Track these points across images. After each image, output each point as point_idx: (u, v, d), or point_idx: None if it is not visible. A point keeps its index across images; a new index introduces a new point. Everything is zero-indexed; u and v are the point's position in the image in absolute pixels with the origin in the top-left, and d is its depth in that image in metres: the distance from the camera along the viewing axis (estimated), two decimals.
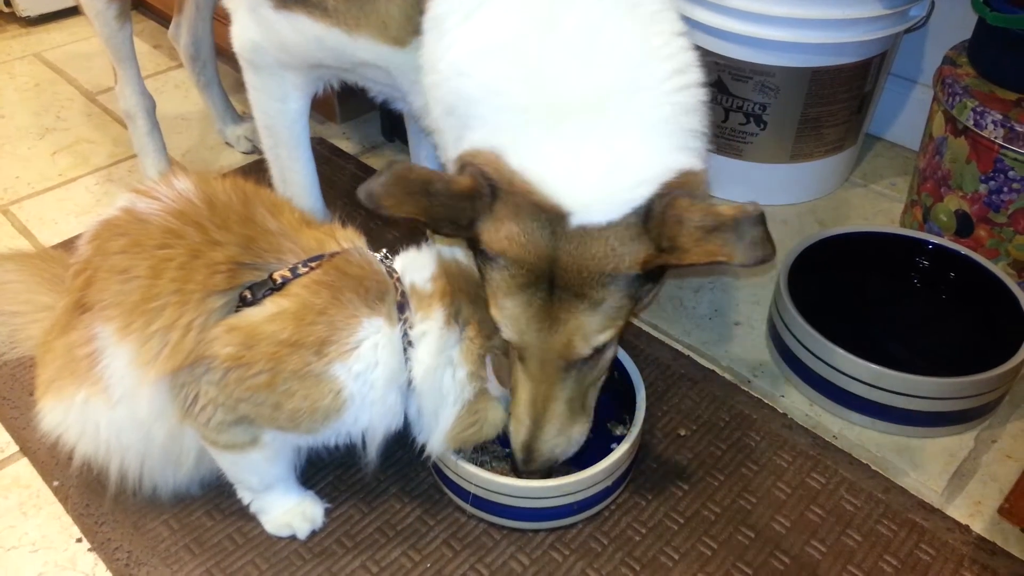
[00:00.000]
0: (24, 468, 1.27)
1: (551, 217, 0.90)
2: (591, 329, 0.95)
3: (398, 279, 1.04)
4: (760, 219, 0.86)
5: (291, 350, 0.97)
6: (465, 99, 0.98)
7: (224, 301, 0.98)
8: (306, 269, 1.00)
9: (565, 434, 1.06)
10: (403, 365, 1.03)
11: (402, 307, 1.03)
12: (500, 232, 0.92)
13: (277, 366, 0.97)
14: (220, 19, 1.42)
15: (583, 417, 1.08)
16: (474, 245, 0.96)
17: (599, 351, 1.00)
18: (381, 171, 0.88)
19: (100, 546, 1.15)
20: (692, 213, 0.87)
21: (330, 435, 1.07)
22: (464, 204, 0.91)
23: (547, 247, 0.91)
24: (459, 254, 1.09)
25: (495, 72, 0.96)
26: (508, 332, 0.98)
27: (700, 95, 0.97)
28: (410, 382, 1.04)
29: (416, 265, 1.07)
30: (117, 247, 1.00)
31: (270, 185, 1.46)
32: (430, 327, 1.03)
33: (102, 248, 1.01)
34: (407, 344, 1.02)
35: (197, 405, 0.99)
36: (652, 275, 0.94)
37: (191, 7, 1.87)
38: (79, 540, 1.17)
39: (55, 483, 1.23)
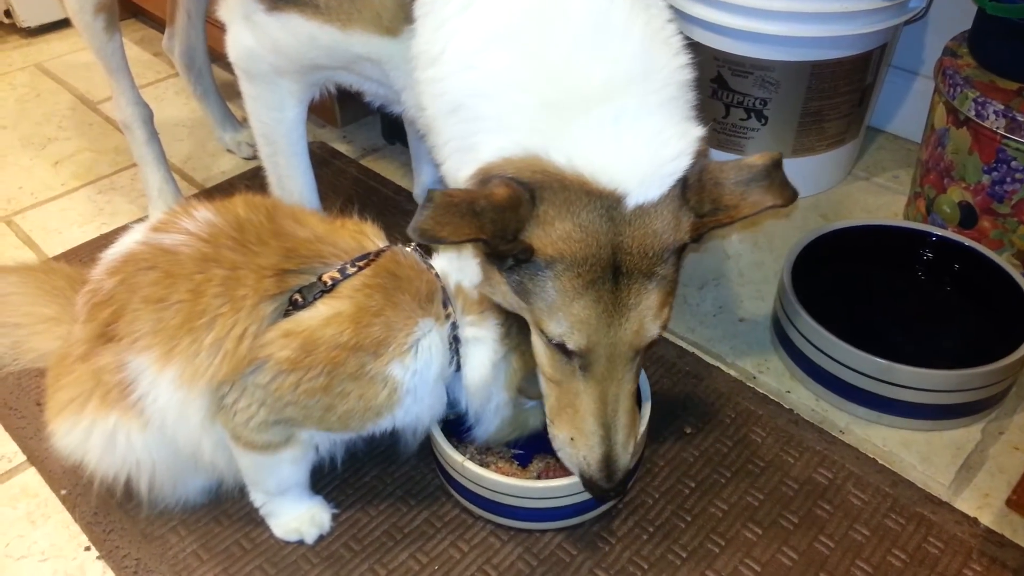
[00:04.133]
0: (32, 477, 1.27)
1: (607, 204, 0.90)
2: (659, 307, 0.95)
3: (436, 275, 1.06)
4: (781, 161, 0.94)
5: (350, 353, 0.97)
6: (475, 95, 0.97)
7: (275, 307, 0.98)
8: (354, 269, 1.01)
9: (634, 435, 1.04)
10: (449, 358, 1.05)
11: (445, 303, 1.04)
12: (553, 235, 0.90)
13: (335, 369, 0.98)
14: (213, 24, 1.42)
15: (636, 411, 1.06)
16: (521, 259, 0.93)
17: None
18: (423, 205, 0.85)
19: (108, 554, 1.15)
20: (726, 173, 0.93)
21: (376, 430, 1.08)
22: (508, 215, 0.89)
23: (608, 234, 0.91)
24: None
25: (510, 64, 0.95)
26: (577, 339, 0.94)
27: (691, 72, 1.02)
28: (459, 379, 1.07)
29: (460, 267, 1.07)
30: (148, 280, 1.00)
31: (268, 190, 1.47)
32: (483, 335, 1.05)
33: (129, 283, 1.01)
34: (452, 339, 1.04)
35: (240, 403, 0.99)
36: (693, 241, 0.97)
37: (183, 17, 1.88)
38: (88, 548, 1.17)
39: (63, 492, 1.23)
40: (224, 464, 1.10)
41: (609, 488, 1.02)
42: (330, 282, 0.99)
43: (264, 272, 0.98)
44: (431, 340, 1.02)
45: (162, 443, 1.05)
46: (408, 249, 1.09)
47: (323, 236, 1.05)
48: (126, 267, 1.04)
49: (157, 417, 1.01)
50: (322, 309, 0.98)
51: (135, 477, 1.09)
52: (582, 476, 1.03)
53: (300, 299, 0.98)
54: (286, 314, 0.98)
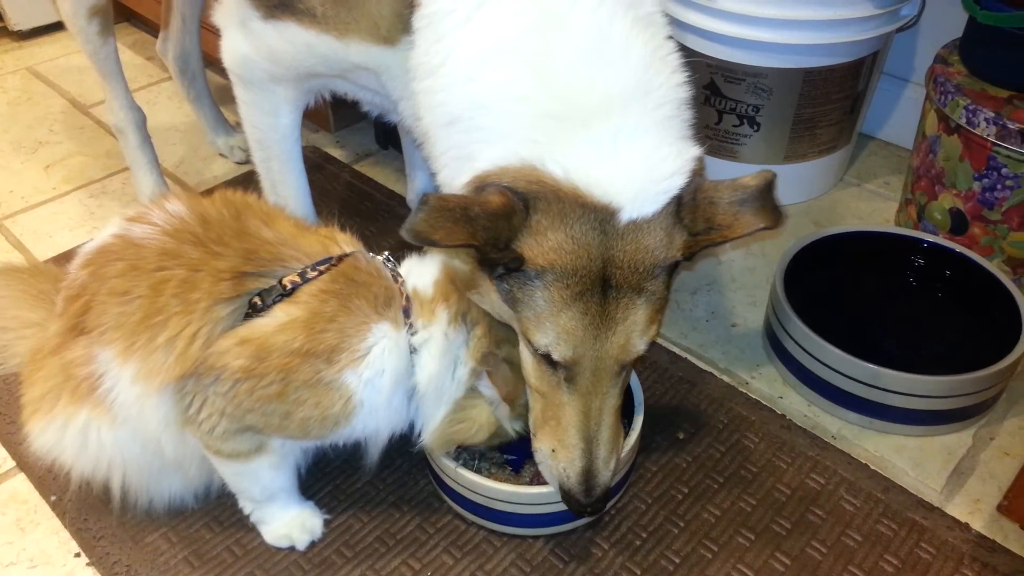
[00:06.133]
0: (21, 483, 1.26)
1: (601, 217, 0.90)
2: (646, 323, 0.95)
3: (402, 284, 1.05)
4: (774, 182, 0.94)
5: (302, 360, 0.97)
6: (475, 107, 0.97)
7: (231, 309, 0.98)
8: (315, 273, 1.00)
9: (616, 453, 1.03)
10: (409, 369, 1.03)
11: (407, 311, 1.03)
12: (545, 245, 0.91)
13: (288, 376, 0.97)
14: (208, 28, 1.42)
15: (620, 428, 1.05)
16: (511, 268, 0.93)
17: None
18: (417, 208, 0.86)
19: (99, 560, 1.14)
20: (720, 192, 0.93)
21: (337, 439, 1.08)
22: (501, 223, 0.89)
23: (599, 248, 0.91)
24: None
25: (510, 78, 0.95)
26: (563, 350, 0.94)
27: (689, 91, 1.02)
28: (415, 386, 1.04)
29: (419, 271, 1.07)
30: (114, 272, 1.00)
31: (261, 195, 1.47)
32: (433, 332, 1.03)
33: (98, 274, 1.01)
34: (411, 349, 1.03)
35: (202, 414, 0.99)
36: (686, 258, 0.97)
37: (177, 21, 1.88)
38: (77, 555, 1.16)
39: (52, 498, 1.23)
40: (191, 464, 1.09)
41: (587, 503, 1.01)
42: (289, 286, 0.99)
43: (221, 275, 0.97)
44: (385, 346, 1.01)
45: (130, 440, 1.04)
46: (372, 255, 1.08)
47: (287, 239, 1.04)
48: (97, 259, 1.03)
49: (121, 412, 1.01)
50: (278, 315, 0.97)
51: (109, 476, 1.08)
52: (561, 489, 1.03)
53: (259, 302, 0.98)
54: (247, 316, 0.98)
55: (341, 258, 1.03)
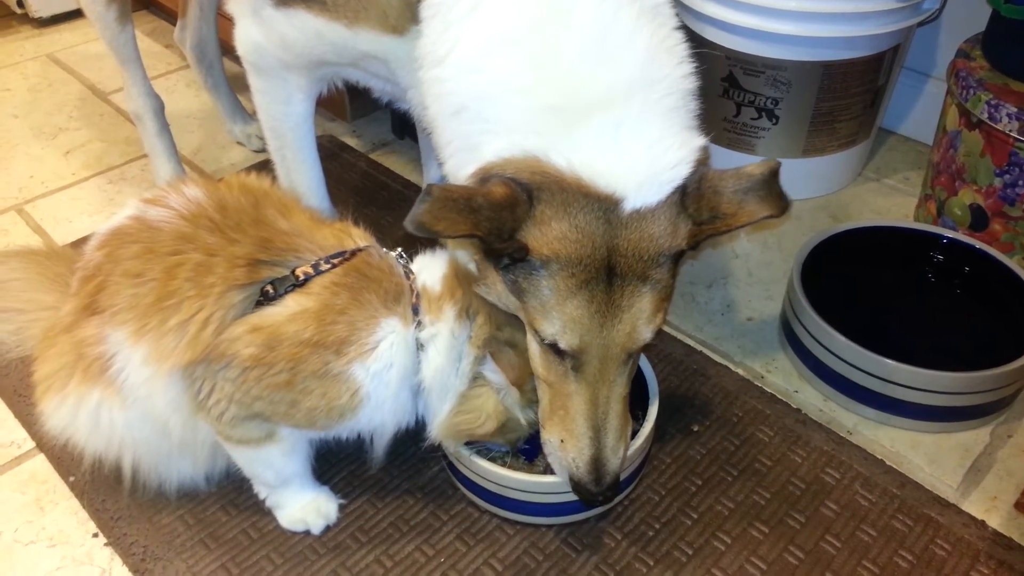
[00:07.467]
0: (41, 464, 1.28)
1: (605, 206, 0.91)
2: (652, 311, 0.96)
3: (413, 280, 1.05)
4: (778, 171, 0.95)
5: (312, 350, 0.97)
6: (479, 98, 0.97)
7: (244, 296, 0.98)
8: (328, 266, 1.01)
9: (624, 440, 1.04)
10: (415, 365, 1.04)
11: (416, 308, 1.03)
12: (549, 234, 0.91)
13: (297, 366, 0.97)
14: (225, 16, 1.43)
15: (629, 417, 1.06)
16: (516, 259, 0.94)
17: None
18: (421, 199, 0.86)
19: (116, 541, 1.16)
20: (725, 181, 0.94)
21: (344, 431, 1.08)
22: (505, 214, 0.90)
23: (603, 236, 0.91)
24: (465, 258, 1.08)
25: (514, 69, 0.95)
26: (569, 338, 0.95)
27: (695, 81, 1.02)
28: (421, 382, 1.05)
29: (429, 267, 1.08)
30: (129, 253, 1.01)
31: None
32: (440, 328, 1.04)
33: (113, 255, 1.02)
34: (419, 345, 1.03)
35: (211, 399, 1.00)
36: (691, 248, 0.98)
37: (195, 9, 1.89)
38: (95, 535, 1.18)
39: (71, 478, 1.24)
40: (200, 448, 1.10)
41: (597, 492, 1.01)
42: (302, 276, 0.99)
43: (236, 261, 0.98)
44: (393, 341, 1.02)
45: (140, 422, 1.05)
46: (386, 251, 1.08)
47: (303, 231, 1.04)
48: (113, 240, 1.04)
49: (131, 394, 1.02)
50: (290, 304, 0.98)
51: (120, 456, 1.10)
52: (571, 479, 1.03)
53: (272, 290, 0.99)
54: (258, 303, 0.99)
55: (354, 252, 1.04)
